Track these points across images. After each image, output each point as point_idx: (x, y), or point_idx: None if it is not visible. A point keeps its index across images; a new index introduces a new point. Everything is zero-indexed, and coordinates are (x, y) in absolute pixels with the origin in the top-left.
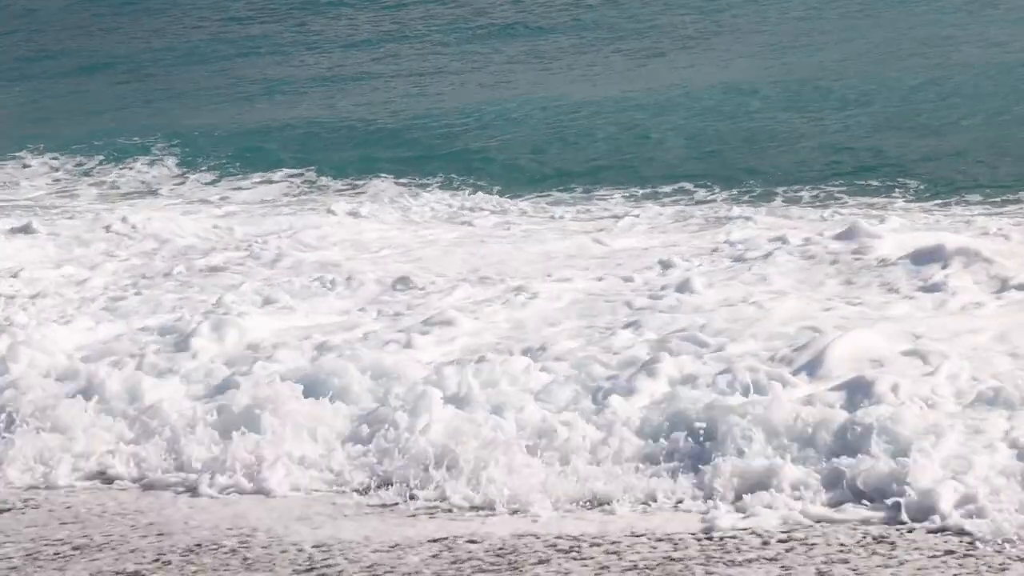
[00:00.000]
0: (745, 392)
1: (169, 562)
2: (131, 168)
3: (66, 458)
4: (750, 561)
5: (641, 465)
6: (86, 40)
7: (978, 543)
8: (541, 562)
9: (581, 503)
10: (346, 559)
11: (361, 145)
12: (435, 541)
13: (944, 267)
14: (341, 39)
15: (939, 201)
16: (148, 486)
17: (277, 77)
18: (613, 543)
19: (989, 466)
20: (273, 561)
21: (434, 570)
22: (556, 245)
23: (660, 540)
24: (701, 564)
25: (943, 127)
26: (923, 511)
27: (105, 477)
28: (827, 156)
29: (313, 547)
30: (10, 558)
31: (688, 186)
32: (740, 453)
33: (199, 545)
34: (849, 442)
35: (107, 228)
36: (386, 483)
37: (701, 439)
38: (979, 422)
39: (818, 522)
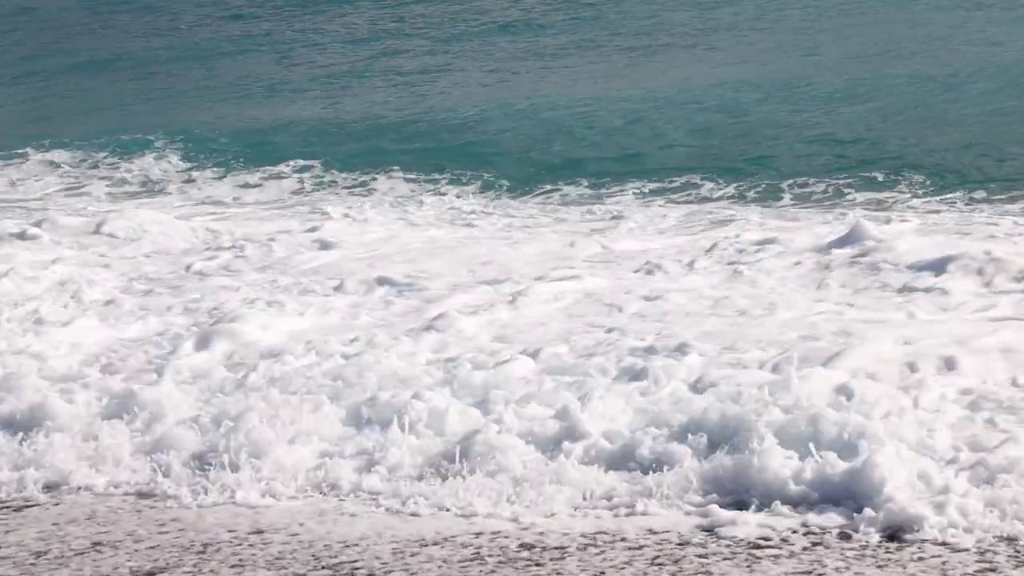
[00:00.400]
0: (746, 396)
1: (184, 560)
2: (137, 167)
3: (73, 463)
4: (772, 558)
5: (647, 465)
6: (87, 38)
7: (992, 544)
8: (563, 557)
9: (592, 504)
10: (364, 555)
11: (366, 143)
12: (453, 537)
13: (950, 271)
14: (344, 37)
15: (945, 198)
16: (155, 490)
17: (283, 75)
18: (632, 539)
19: (991, 473)
20: (292, 558)
21: (455, 563)
22: (557, 246)
23: (680, 535)
24: (720, 560)
25: (949, 124)
26: (930, 514)
27: (113, 481)
28: (832, 153)
29: (337, 543)
30: (30, 554)
31: (692, 184)
32: (750, 455)
33: (217, 542)
34: (849, 447)
35: (107, 231)
36: (395, 483)
37: (704, 443)
38: (977, 430)
39: (832, 525)
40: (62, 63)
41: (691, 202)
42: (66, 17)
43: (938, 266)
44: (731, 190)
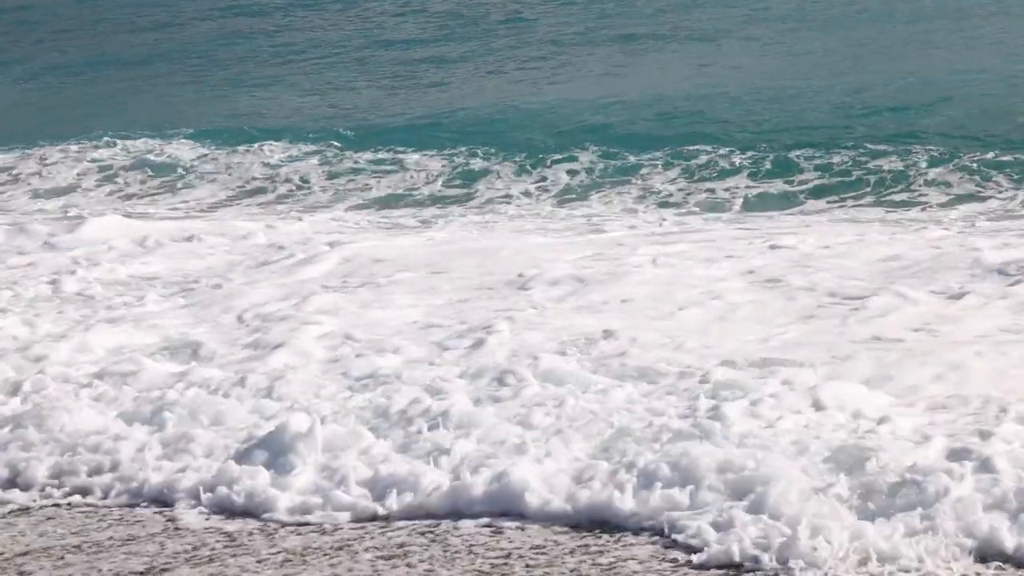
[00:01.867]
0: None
1: (243, 545)
2: (154, 163)
3: (93, 468)
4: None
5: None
6: (89, 36)
7: None
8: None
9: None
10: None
11: (379, 140)
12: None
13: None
14: (349, 32)
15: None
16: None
17: (289, 71)
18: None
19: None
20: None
21: (520, 563)
22: (585, 250)
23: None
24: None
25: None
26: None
27: (136, 485)
28: (877, 150)
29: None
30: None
31: (731, 186)
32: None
33: (285, 525)
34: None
35: (131, 232)
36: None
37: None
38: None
39: None
40: (65, 60)
41: (734, 202)
42: (65, 14)
43: (1002, 274)
44: (772, 193)
